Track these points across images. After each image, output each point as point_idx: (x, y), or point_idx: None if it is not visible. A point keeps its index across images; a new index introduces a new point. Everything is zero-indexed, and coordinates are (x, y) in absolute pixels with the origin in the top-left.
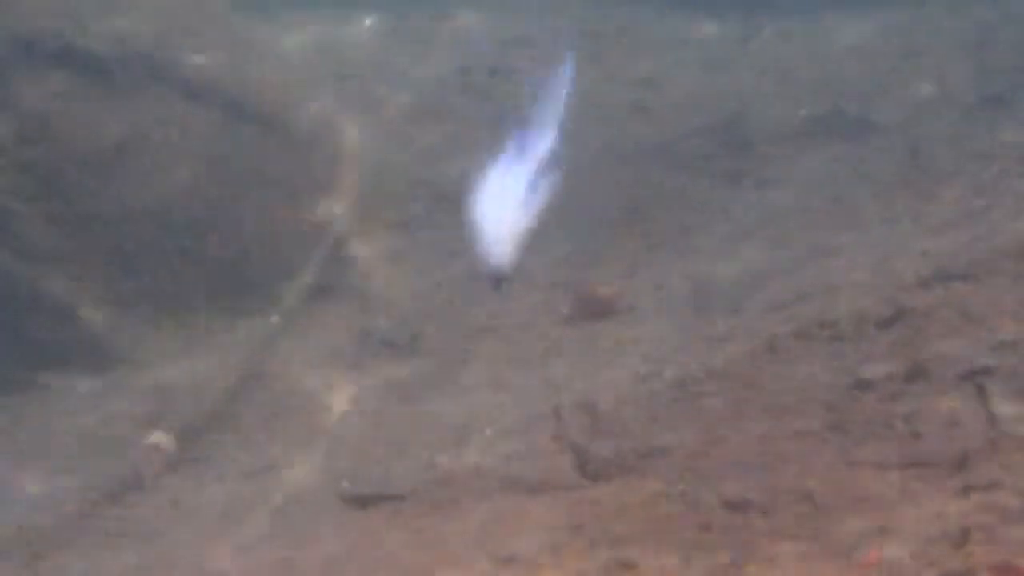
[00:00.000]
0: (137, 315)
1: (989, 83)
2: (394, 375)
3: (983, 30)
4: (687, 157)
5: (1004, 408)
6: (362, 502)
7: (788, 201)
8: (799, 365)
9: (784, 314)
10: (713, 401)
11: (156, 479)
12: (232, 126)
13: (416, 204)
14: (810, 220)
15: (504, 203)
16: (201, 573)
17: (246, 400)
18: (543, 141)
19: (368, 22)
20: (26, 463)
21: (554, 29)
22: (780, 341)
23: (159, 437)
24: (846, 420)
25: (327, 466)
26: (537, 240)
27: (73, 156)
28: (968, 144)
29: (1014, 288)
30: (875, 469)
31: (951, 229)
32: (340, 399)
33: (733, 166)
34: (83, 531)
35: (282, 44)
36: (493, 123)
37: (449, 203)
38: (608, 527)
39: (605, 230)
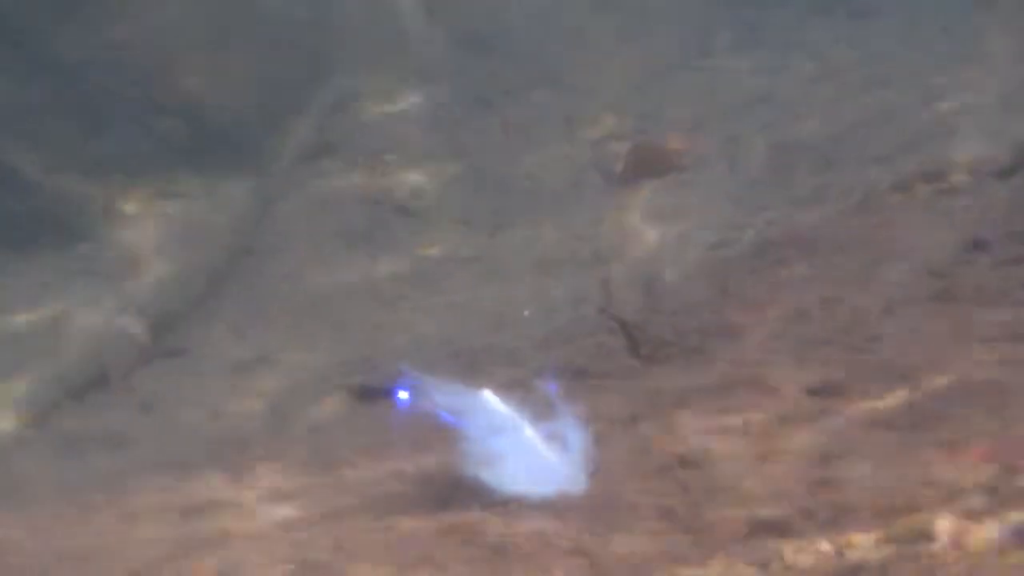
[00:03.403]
0: (106, 181)
1: None
2: (413, 249)
3: None
4: None
5: None
6: (371, 395)
7: (887, 34)
8: (899, 225)
9: (882, 167)
10: (796, 270)
11: (126, 375)
12: None
13: (433, 47)
14: (914, 57)
15: None
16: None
17: (235, 281)
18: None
19: None
20: None
21: None
22: (876, 199)
23: (130, 325)
24: (955, 289)
25: (330, 359)
26: (592, 85)
27: None
28: None
29: None
30: (985, 344)
31: None
32: (348, 279)
33: None
34: (41, 436)
35: None
36: None
37: (472, 46)
38: (667, 418)
39: (670, 75)
